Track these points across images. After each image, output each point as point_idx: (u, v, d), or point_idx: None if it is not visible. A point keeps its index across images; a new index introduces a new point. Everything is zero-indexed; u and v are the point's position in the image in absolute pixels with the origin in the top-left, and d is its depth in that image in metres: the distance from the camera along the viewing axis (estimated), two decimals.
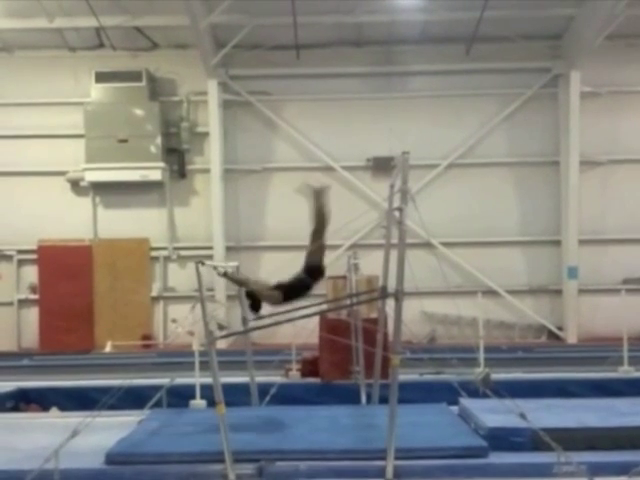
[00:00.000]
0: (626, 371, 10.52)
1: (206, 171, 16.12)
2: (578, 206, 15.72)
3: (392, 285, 6.10)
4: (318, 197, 7.00)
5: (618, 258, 16.03)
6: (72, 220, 16.25)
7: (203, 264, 6.28)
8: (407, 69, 16.29)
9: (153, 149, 15.95)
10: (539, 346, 14.96)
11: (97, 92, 16.08)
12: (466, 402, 7.49)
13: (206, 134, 16.14)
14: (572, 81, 15.51)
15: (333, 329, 10.06)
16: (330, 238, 13.90)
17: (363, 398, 9.07)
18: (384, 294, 7.10)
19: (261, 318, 7.07)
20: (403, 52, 16.24)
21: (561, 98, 16.03)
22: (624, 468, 5.58)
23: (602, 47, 15.22)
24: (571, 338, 15.75)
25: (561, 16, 15.28)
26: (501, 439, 6.13)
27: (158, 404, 8.69)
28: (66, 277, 15.83)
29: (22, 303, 16.46)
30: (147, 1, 14.68)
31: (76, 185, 16.37)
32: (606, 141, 16.17)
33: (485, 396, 7.96)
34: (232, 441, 5.71)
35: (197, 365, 8.86)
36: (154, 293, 16.39)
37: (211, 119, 15.82)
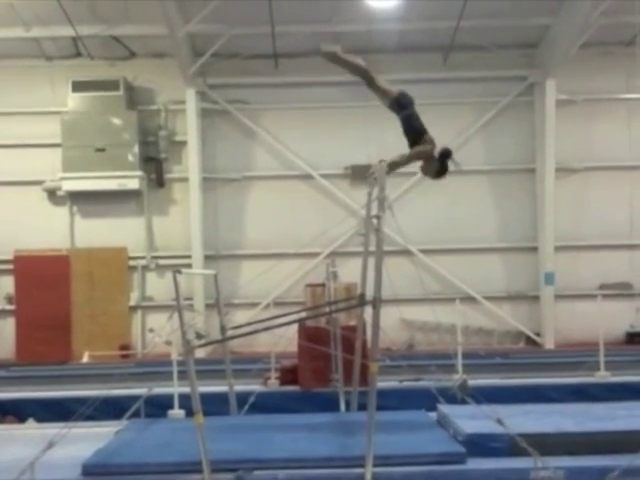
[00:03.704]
0: (603, 376, 10.60)
1: (184, 180, 16.08)
2: (554, 213, 15.86)
3: (371, 292, 6.12)
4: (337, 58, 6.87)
5: (594, 264, 16.19)
6: (49, 230, 16.12)
7: (180, 273, 6.24)
8: (384, 78, 16.32)
9: (131, 158, 15.89)
10: (517, 352, 15.05)
11: (74, 101, 16.00)
12: (444, 408, 7.51)
13: (184, 143, 16.11)
14: (548, 89, 15.67)
15: (312, 337, 10.05)
16: (309, 246, 14.00)
17: (342, 406, 9.06)
18: (362, 302, 7.11)
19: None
20: (380, 61, 16.17)
21: (537, 106, 16.19)
22: (601, 473, 5.61)
23: (577, 56, 15.40)
24: (548, 344, 15.87)
25: (537, 25, 15.46)
26: (479, 445, 6.15)
27: (136, 414, 8.62)
28: (43, 287, 15.68)
29: None
30: (124, 10, 14.65)
31: (53, 194, 16.27)
32: (582, 148, 16.35)
33: (463, 402, 8.00)
34: (210, 451, 5.68)
35: (175, 374, 8.80)
36: (132, 303, 16.31)
37: (189, 128, 15.80)
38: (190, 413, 6.07)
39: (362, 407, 7.06)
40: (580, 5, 14.03)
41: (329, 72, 16.20)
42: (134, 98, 16.42)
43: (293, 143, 16.32)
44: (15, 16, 14.66)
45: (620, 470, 5.56)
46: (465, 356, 10.63)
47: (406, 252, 15.18)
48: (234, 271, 16.03)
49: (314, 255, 15.71)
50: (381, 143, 15.65)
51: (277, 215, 16.25)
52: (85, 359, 15.39)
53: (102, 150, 15.78)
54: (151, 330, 15.40)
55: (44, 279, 15.76)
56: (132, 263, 16.38)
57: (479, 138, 16.47)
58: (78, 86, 15.92)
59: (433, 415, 7.54)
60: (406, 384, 10.17)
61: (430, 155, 6.81)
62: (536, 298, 16.33)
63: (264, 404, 9.52)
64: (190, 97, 15.72)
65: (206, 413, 5.80)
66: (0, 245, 16.02)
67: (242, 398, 8.93)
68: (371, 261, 6.52)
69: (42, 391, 10.90)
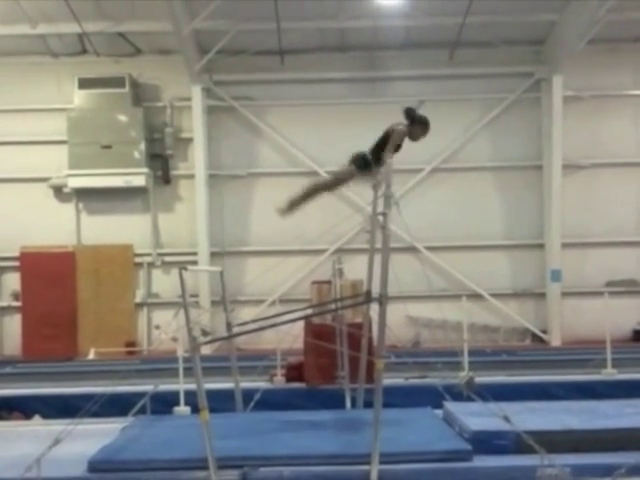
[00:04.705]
0: (609, 373, 10.58)
1: (190, 177, 16.07)
2: (561, 210, 15.80)
3: (377, 289, 6.11)
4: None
5: (601, 261, 16.13)
6: (55, 226, 16.13)
7: (186, 270, 6.24)
8: (390, 74, 16.33)
9: (137, 155, 15.89)
10: (523, 349, 15.03)
11: (80, 98, 16.01)
12: (450, 406, 7.50)
13: (190, 140, 16.10)
14: (554, 85, 15.60)
15: (318, 334, 10.05)
16: (315, 243, 13.99)
17: (348, 403, 9.06)
18: (368, 299, 7.11)
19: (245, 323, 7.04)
20: (386, 57, 16.28)
21: (544, 102, 16.12)
22: (608, 470, 5.61)
23: (584, 52, 15.34)
24: (555, 341, 15.82)
25: (543, 21, 15.39)
26: (485, 442, 6.15)
27: (142, 411, 8.65)
28: (49, 284, 15.70)
29: (4, 310, 16.33)
30: (130, 7, 14.65)
31: (59, 191, 16.28)
32: (589, 145, 16.28)
33: (469, 399, 7.99)
34: (216, 447, 5.69)
35: (181, 371, 8.82)
36: (138, 299, 16.31)
37: (195, 125, 15.79)
38: (196, 410, 6.09)
39: (368, 404, 7.08)
40: (587, 1, 13.96)
41: (335, 69, 16.39)
42: (140, 95, 16.41)
43: (299, 140, 16.29)
44: (21, 13, 14.66)
45: (627, 467, 5.55)
46: (471, 353, 10.61)
47: (412, 249, 15.10)
48: (240, 268, 16.02)
49: (320, 252, 15.70)
50: None
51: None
52: (91, 356, 15.42)
53: (108, 147, 15.79)
54: (157, 327, 15.44)
55: (50, 276, 15.78)
56: (138, 260, 16.38)
57: (485, 135, 16.41)
58: (84, 83, 15.93)
59: (439, 412, 7.55)
60: (412, 381, 10.17)
61: (403, 131, 7.01)
62: (542, 295, 16.27)
63: (270, 401, 9.52)
64: (196, 94, 15.71)
65: (212, 410, 5.82)
66: (6, 242, 16.05)
67: (248, 395, 8.95)
68: (377, 258, 6.52)
69: (48, 388, 10.95)
